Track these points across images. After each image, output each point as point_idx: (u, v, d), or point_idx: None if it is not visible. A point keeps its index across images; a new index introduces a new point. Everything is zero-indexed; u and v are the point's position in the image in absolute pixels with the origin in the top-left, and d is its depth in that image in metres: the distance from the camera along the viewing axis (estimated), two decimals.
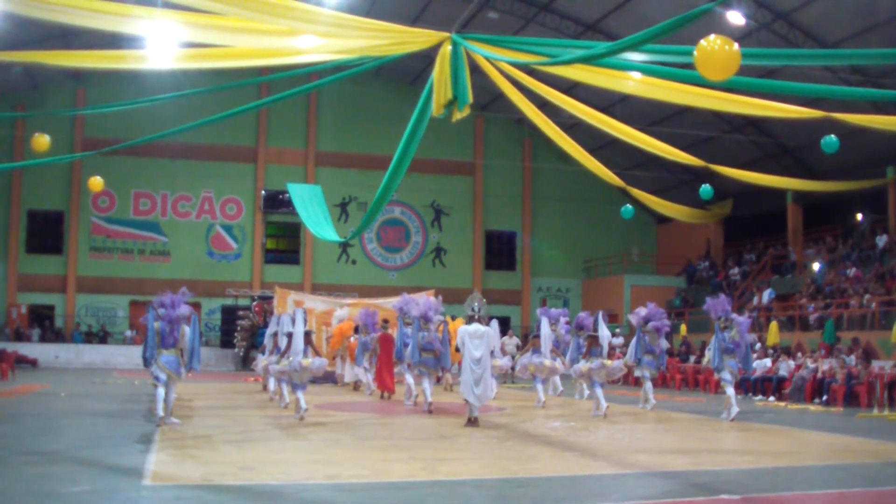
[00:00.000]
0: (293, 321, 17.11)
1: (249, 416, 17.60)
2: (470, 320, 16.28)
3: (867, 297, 29.44)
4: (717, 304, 18.40)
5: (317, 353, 17.07)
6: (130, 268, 43.16)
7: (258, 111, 43.11)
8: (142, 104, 18.84)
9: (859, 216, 36.36)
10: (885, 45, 25.95)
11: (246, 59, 14.58)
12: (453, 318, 26.29)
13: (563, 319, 23.47)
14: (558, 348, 22.00)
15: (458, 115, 13.17)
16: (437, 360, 18.81)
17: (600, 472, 10.78)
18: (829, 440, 14.81)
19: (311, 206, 20.36)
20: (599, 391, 18.24)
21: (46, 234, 42.75)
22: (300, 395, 16.32)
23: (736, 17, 27.71)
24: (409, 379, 20.01)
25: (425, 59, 21.25)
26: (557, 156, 34.17)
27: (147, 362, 15.13)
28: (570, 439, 14.11)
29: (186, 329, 15.20)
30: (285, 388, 18.73)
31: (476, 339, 15.56)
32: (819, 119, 14.20)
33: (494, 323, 20.79)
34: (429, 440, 13.91)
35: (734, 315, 18.58)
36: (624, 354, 22.45)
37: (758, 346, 26.14)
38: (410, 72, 42.10)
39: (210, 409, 18.91)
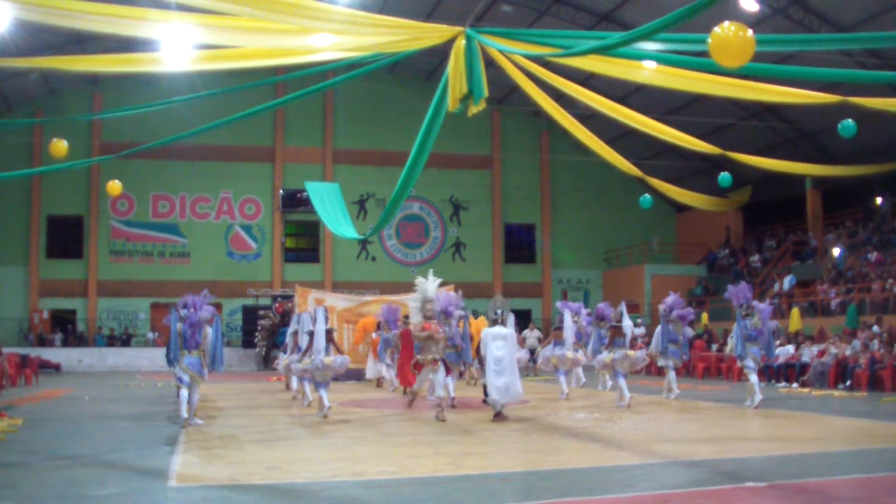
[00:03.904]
0: (314, 319, 17.13)
1: (273, 415, 17.65)
2: (493, 323, 16.31)
3: (890, 281, 29.29)
4: (738, 292, 18.33)
5: (339, 351, 17.10)
6: (151, 270, 43.37)
7: (274, 111, 43.19)
8: (158, 107, 18.81)
9: (879, 200, 36.19)
10: None
11: (261, 59, 14.60)
12: (475, 314, 26.25)
13: (583, 311, 23.43)
14: (580, 340, 21.97)
15: (473, 110, 13.16)
16: (459, 355, 18.78)
17: (626, 463, 10.77)
18: (855, 425, 14.76)
19: (329, 204, 20.36)
20: (623, 382, 18.22)
21: (66, 238, 43.02)
22: (323, 393, 16.35)
23: (750, 3, 27.58)
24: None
25: (440, 54, 21.25)
26: (575, 147, 34.07)
27: (171, 363, 15.21)
28: (594, 430, 14.10)
29: (209, 330, 15.25)
30: (308, 387, 18.75)
31: (499, 340, 15.64)
32: (836, 103, 14.13)
33: (511, 317, 20.73)
34: (453, 435, 13.91)
35: (755, 302, 18.52)
36: (646, 345, 22.40)
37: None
38: (425, 67, 42.15)
39: (234, 409, 18.97)
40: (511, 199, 47.50)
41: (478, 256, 46.71)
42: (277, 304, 37.57)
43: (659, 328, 20.82)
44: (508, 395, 15.68)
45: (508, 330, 16.01)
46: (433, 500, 8.47)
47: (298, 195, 42.56)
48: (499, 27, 17.05)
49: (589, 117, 20.59)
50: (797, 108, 30.76)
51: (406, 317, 23.01)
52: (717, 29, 8.60)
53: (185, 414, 14.87)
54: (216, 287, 31.43)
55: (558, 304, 23.13)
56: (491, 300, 17.08)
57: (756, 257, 40.60)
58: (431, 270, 17.87)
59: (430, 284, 17.91)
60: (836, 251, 34.70)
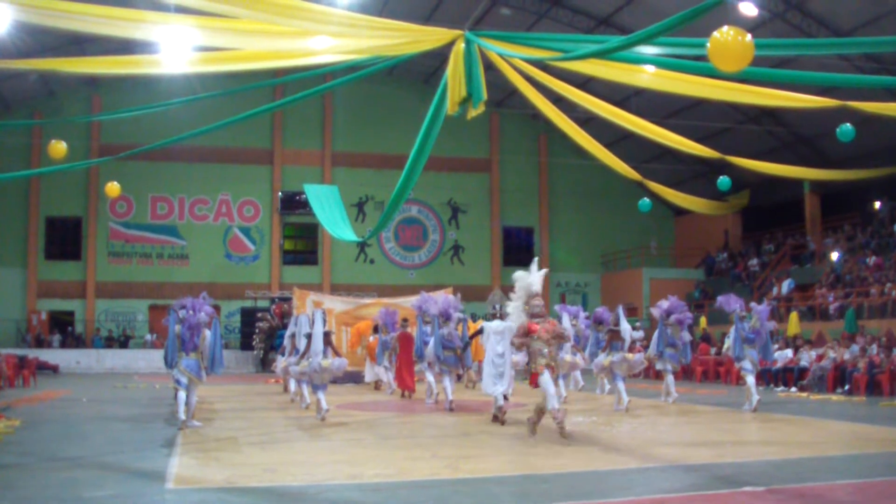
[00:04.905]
0: (311, 322, 17.09)
1: (271, 417, 17.63)
2: (492, 318, 16.31)
3: (888, 285, 29.29)
4: (728, 300, 18.42)
5: (336, 354, 17.04)
6: (149, 272, 43.36)
7: (273, 113, 43.21)
8: (157, 109, 18.86)
9: (877, 204, 36.19)
10: None
11: (260, 62, 14.60)
12: (474, 318, 26.25)
13: (582, 315, 23.42)
14: (578, 344, 21.94)
15: (472, 113, 13.17)
16: (458, 357, 18.80)
17: (624, 467, 10.75)
18: (853, 430, 14.76)
19: (328, 207, 20.37)
20: (621, 385, 18.20)
21: (65, 240, 43.02)
22: (321, 395, 16.32)
23: (748, 8, 27.58)
24: (430, 377, 19.99)
25: (439, 57, 21.29)
26: (573, 151, 34.15)
27: (169, 365, 15.20)
28: (592, 434, 14.08)
29: (207, 333, 15.24)
30: (306, 389, 18.73)
31: (497, 334, 15.63)
32: (835, 108, 14.14)
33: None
34: (451, 438, 13.90)
35: (752, 304, 18.55)
36: (645, 348, 22.38)
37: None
38: (424, 70, 42.15)
39: (231, 411, 18.95)
40: (509, 202, 47.51)
41: (476, 259, 46.69)
42: (275, 307, 37.54)
43: (656, 332, 20.81)
44: (502, 387, 15.67)
45: (507, 324, 15.97)
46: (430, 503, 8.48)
47: (297, 197, 42.59)
48: (498, 30, 17.05)
49: (588, 121, 20.62)
50: (796, 112, 30.82)
51: (405, 319, 23.00)
52: (716, 33, 8.61)
53: (182, 416, 14.86)
54: (214, 289, 31.44)
55: (556, 307, 23.10)
56: (490, 294, 16.96)
57: (754, 261, 40.60)
58: (536, 259, 15.05)
59: (534, 276, 14.19)
60: (834, 255, 34.70)
